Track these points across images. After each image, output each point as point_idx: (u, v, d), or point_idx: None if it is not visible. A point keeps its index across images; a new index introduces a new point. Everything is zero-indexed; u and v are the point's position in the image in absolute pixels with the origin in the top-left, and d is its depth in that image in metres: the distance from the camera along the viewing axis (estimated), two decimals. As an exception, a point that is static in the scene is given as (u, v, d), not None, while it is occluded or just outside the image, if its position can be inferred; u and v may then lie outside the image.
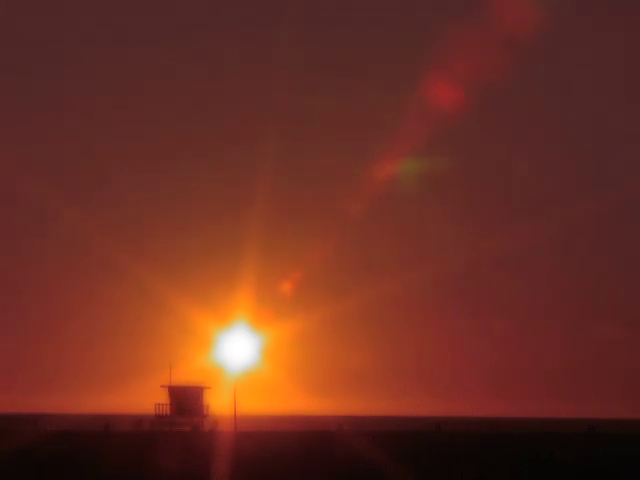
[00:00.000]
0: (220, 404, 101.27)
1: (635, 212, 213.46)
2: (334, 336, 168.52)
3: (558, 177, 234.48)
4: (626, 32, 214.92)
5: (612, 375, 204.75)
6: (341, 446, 66.26)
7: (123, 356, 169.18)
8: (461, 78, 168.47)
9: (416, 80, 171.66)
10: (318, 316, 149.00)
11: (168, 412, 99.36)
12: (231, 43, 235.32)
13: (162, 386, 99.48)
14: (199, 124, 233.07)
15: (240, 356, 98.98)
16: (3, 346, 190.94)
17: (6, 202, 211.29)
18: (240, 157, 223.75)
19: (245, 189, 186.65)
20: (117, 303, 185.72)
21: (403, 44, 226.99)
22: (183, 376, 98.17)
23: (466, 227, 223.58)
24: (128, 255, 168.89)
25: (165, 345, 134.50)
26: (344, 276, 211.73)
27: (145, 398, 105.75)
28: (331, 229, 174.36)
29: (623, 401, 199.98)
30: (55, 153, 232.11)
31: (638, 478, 42.95)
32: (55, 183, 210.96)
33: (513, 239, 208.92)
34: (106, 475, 41.66)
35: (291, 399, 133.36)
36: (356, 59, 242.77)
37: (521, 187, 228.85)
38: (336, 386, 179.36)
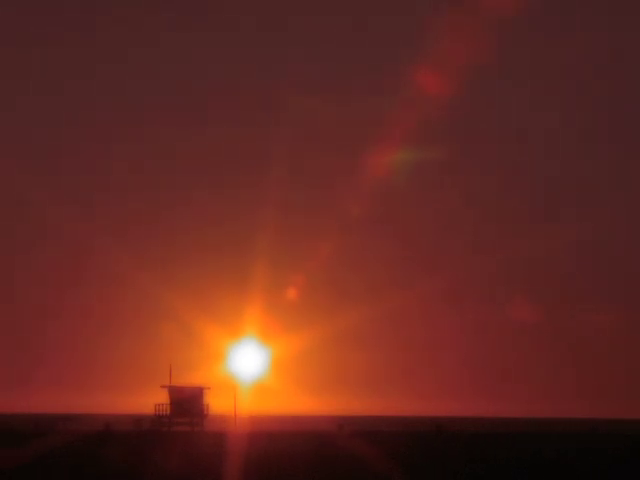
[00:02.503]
0: (227, 408, 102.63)
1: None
2: (335, 339, 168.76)
3: (557, 170, 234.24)
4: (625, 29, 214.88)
5: (612, 375, 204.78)
6: (341, 446, 66.24)
7: (125, 357, 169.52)
8: (454, 67, 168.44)
9: (409, 72, 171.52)
10: (320, 325, 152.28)
11: (168, 412, 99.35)
12: (230, 43, 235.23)
13: (162, 386, 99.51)
14: (205, 141, 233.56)
15: (249, 366, 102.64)
16: (4, 346, 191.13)
17: (23, 216, 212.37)
18: (247, 166, 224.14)
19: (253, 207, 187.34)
20: (128, 311, 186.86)
21: (395, 39, 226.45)
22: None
23: (466, 234, 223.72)
24: (148, 273, 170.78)
25: (167, 348, 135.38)
26: (346, 286, 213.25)
27: (145, 398, 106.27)
28: (335, 239, 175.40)
29: (624, 401, 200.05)
30: (70, 166, 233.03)
31: (638, 478, 42.95)
32: (72, 199, 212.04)
33: (513, 243, 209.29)
34: (106, 475, 41.63)
35: (292, 400, 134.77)
36: (349, 55, 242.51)
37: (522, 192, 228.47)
38: (336, 386, 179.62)
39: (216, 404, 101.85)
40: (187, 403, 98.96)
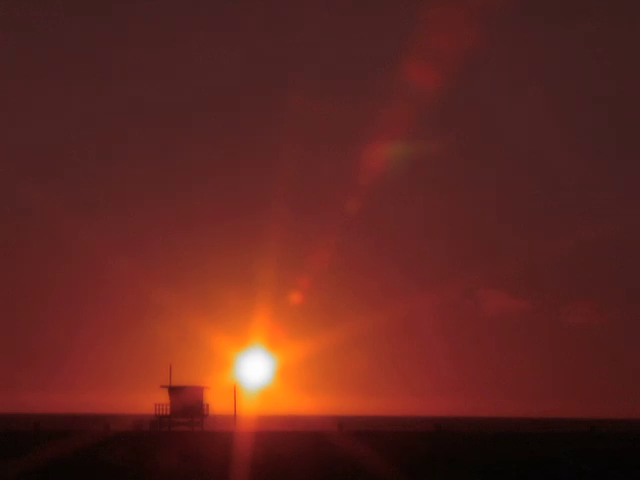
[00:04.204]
0: (227, 408, 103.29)
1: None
2: (337, 345, 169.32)
3: (555, 158, 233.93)
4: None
5: (613, 375, 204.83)
6: (341, 446, 66.29)
7: (125, 358, 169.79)
8: (451, 62, 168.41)
9: (405, 68, 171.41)
10: (323, 332, 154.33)
11: (168, 412, 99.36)
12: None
13: (162, 386, 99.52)
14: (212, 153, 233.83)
15: (256, 374, 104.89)
16: (5, 346, 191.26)
17: (28, 220, 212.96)
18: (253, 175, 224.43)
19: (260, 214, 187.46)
20: (129, 313, 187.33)
21: (385, 32, 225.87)
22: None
23: (467, 235, 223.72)
24: (165, 289, 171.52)
25: (168, 349, 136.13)
26: (349, 292, 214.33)
27: (145, 398, 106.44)
28: (337, 245, 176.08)
29: (624, 401, 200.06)
30: (72, 171, 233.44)
31: (638, 478, 42.97)
32: (74, 201, 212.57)
33: (514, 245, 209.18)
34: (106, 475, 41.67)
35: (294, 402, 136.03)
36: (339, 52, 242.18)
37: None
38: (336, 387, 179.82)
39: (216, 404, 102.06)
40: (187, 403, 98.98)
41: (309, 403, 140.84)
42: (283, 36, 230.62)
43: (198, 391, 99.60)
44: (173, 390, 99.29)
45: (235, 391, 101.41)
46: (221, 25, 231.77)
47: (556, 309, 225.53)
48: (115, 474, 42.12)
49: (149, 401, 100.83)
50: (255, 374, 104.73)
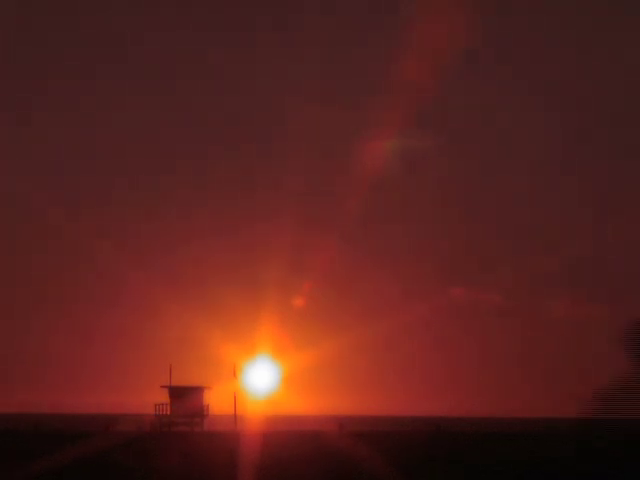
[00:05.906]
0: (228, 409, 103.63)
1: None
2: (339, 347, 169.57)
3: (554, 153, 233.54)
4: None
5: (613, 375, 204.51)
6: (342, 446, 66.38)
7: (125, 358, 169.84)
8: (448, 57, 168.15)
9: (400, 67, 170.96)
10: (327, 340, 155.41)
11: (168, 412, 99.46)
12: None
13: (162, 386, 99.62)
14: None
15: (262, 382, 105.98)
16: (5, 345, 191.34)
17: (39, 229, 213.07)
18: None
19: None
20: (131, 313, 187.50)
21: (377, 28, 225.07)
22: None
23: (470, 239, 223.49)
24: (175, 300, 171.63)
25: (172, 352, 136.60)
26: (353, 300, 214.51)
27: (145, 398, 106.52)
28: (337, 253, 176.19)
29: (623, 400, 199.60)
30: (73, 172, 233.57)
31: (638, 478, 43.04)
32: (76, 203, 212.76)
33: (519, 247, 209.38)
34: (106, 476, 41.74)
35: (296, 405, 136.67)
36: (339, 54, 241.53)
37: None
38: (336, 386, 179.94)
39: (217, 405, 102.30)
40: (187, 403, 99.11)
41: (311, 405, 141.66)
42: (283, 41, 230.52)
43: (198, 391, 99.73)
44: (173, 390, 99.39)
45: (235, 395, 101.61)
46: (221, 26, 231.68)
47: (555, 308, 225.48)
48: (118, 475, 42.19)
49: (149, 401, 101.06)
50: (261, 382, 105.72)
